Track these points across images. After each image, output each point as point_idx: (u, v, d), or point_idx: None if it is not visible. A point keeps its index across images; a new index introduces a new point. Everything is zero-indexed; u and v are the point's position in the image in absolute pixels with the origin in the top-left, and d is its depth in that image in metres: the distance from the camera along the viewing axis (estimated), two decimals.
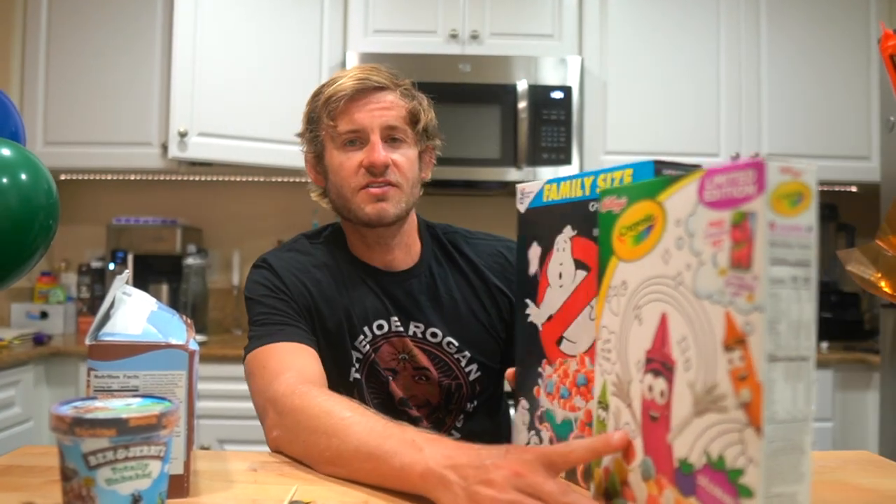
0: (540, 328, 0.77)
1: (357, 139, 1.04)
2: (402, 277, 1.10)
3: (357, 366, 1.07)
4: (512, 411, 0.84)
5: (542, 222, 0.77)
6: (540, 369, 0.77)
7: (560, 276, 0.74)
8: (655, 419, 0.52)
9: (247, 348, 1.00)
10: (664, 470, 0.51)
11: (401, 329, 1.08)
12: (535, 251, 0.78)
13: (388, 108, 1.05)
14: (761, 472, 0.43)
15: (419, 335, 1.09)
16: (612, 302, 0.58)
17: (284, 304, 1.03)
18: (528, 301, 0.79)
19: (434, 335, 1.09)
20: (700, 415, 0.47)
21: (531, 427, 0.78)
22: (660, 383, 0.51)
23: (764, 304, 0.44)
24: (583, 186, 0.71)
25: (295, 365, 0.93)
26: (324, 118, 1.06)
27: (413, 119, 1.07)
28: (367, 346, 1.07)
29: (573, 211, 0.72)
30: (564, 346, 0.73)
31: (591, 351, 0.69)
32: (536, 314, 0.78)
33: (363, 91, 1.04)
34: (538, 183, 0.79)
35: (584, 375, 0.70)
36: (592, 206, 0.69)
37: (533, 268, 0.78)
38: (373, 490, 0.71)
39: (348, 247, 1.13)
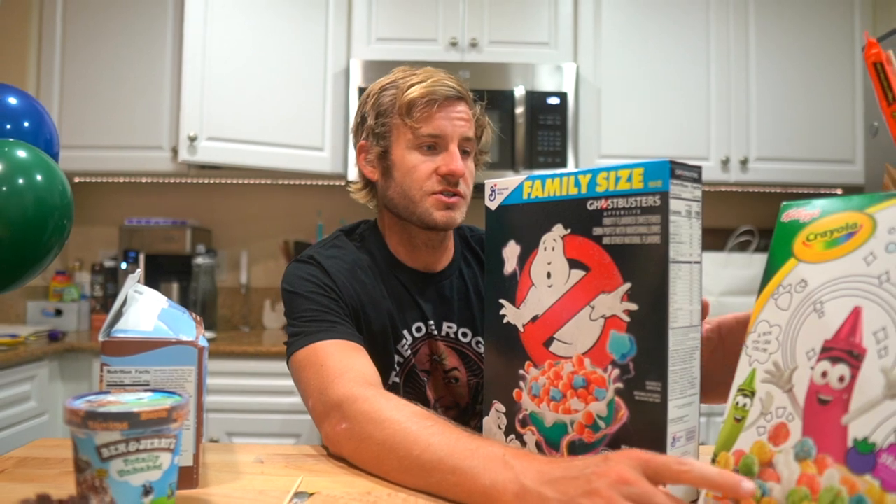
0: (521, 329, 0.73)
1: (435, 144, 1.01)
2: (437, 279, 1.09)
3: (397, 369, 1.04)
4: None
5: (523, 220, 0.73)
6: (522, 371, 0.73)
7: (549, 275, 0.70)
8: (826, 402, 0.53)
9: (294, 343, 0.93)
10: (830, 449, 0.52)
11: (435, 332, 1.06)
12: (512, 249, 0.74)
13: (467, 119, 1.03)
14: None
15: (451, 335, 1.07)
16: (781, 298, 0.59)
17: (334, 303, 0.97)
18: (503, 302, 0.75)
19: (465, 335, 1.08)
20: (894, 397, 0.50)
21: (510, 431, 0.75)
22: (839, 369, 0.53)
23: None
24: (577, 184, 0.68)
25: (355, 366, 0.86)
26: (401, 116, 1.02)
27: (480, 134, 1.08)
28: (409, 350, 1.04)
29: (566, 209, 0.68)
30: (555, 348, 0.70)
31: (591, 352, 0.66)
32: (515, 315, 0.74)
33: (449, 98, 1.02)
34: (514, 179, 0.74)
35: (583, 377, 0.67)
36: (592, 205, 0.66)
37: (510, 267, 0.74)
38: (377, 480, 0.71)
39: (387, 247, 1.09)
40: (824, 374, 0.54)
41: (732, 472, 0.56)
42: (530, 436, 0.73)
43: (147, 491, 0.53)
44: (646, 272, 0.63)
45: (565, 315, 0.69)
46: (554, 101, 2.42)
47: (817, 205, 0.59)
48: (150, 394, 0.60)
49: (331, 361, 0.86)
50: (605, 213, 0.66)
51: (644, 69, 2.55)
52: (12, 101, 1.08)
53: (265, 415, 2.17)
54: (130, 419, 0.52)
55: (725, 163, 2.53)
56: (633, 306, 0.64)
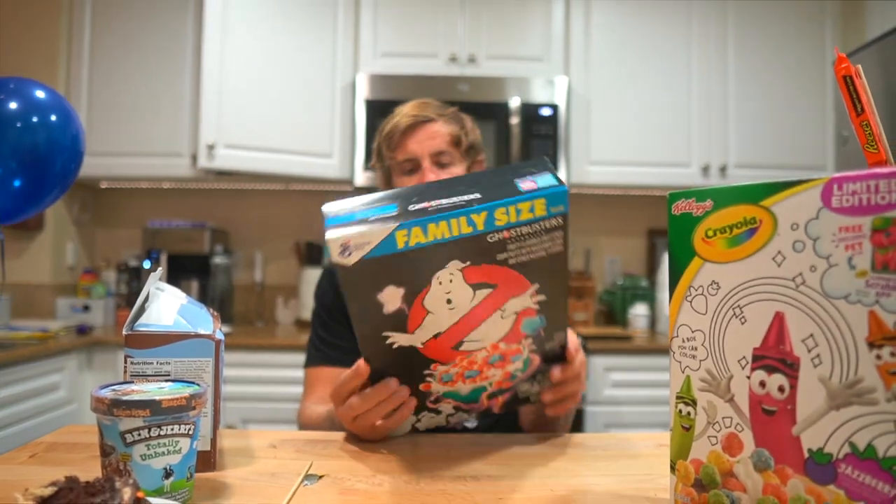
0: (420, 346, 0.69)
1: (413, 168, 1.09)
2: None
3: None
4: None
5: (403, 266, 0.62)
6: (426, 372, 0.73)
7: (449, 301, 0.65)
8: (771, 413, 0.49)
9: (305, 360, 1.20)
10: (788, 461, 0.49)
11: None
12: (391, 293, 0.64)
13: (434, 136, 1.09)
14: None
15: None
16: (695, 301, 0.54)
17: (329, 316, 1.17)
18: (388, 334, 0.68)
19: None
20: (839, 408, 0.46)
21: (421, 409, 0.79)
22: (776, 379, 0.49)
23: None
24: (471, 223, 0.61)
25: (316, 391, 1.14)
26: (385, 150, 1.12)
27: (456, 141, 1.10)
28: None
29: (462, 247, 0.61)
30: (467, 346, 0.70)
31: (505, 338, 0.71)
32: (408, 339, 0.68)
33: (413, 126, 1.09)
34: (374, 232, 0.60)
35: (499, 354, 0.72)
36: (492, 238, 0.61)
37: (392, 307, 0.65)
38: (378, 467, 0.71)
39: None
40: (762, 384, 0.50)
41: (695, 480, 0.54)
42: (445, 405, 0.79)
43: (168, 473, 0.53)
44: (552, 273, 0.66)
45: (473, 324, 0.68)
46: (547, 112, 2.42)
47: (708, 195, 0.53)
48: (170, 383, 0.60)
49: (307, 384, 1.17)
50: (508, 241, 0.62)
51: (630, 82, 2.55)
52: (40, 94, 1.04)
53: (278, 403, 2.17)
54: (152, 407, 0.52)
55: (706, 169, 2.53)
56: (542, 297, 0.68)
